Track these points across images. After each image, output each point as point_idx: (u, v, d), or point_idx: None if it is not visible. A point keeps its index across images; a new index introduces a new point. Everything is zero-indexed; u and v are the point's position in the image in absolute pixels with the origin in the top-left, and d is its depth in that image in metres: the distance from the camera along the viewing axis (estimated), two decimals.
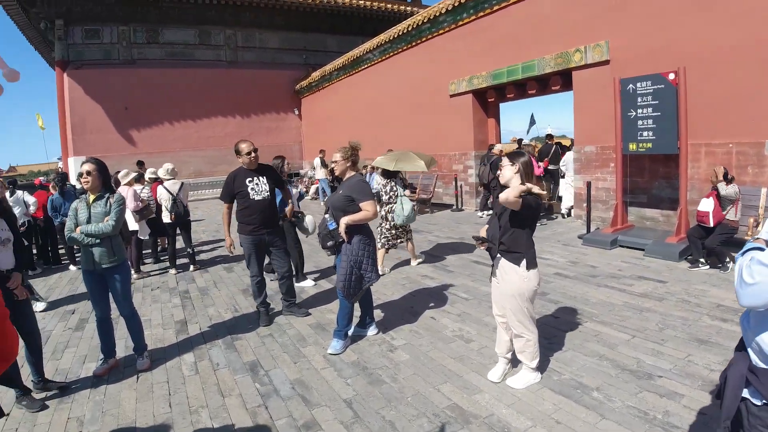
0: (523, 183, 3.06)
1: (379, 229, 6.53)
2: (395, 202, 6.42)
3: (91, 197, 3.88)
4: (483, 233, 3.44)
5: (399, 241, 6.63)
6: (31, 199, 7.97)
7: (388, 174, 6.67)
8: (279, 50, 21.71)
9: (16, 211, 7.09)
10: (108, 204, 3.85)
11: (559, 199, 10.50)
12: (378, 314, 4.83)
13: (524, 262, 3.11)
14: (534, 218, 3.19)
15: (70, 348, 4.62)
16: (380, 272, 6.20)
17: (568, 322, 4.35)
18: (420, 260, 6.94)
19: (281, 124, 22.30)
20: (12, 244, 3.51)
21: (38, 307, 5.70)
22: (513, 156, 3.20)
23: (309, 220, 5.49)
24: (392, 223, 6.48)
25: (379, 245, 6.34)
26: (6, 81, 2.09)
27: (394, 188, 6.53)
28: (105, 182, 3.94)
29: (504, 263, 3.20)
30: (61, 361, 4.29)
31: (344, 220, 3.84)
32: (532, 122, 18.04)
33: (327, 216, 4.05)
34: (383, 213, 6.51)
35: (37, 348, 3.64)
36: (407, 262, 6.98)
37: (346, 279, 3.92)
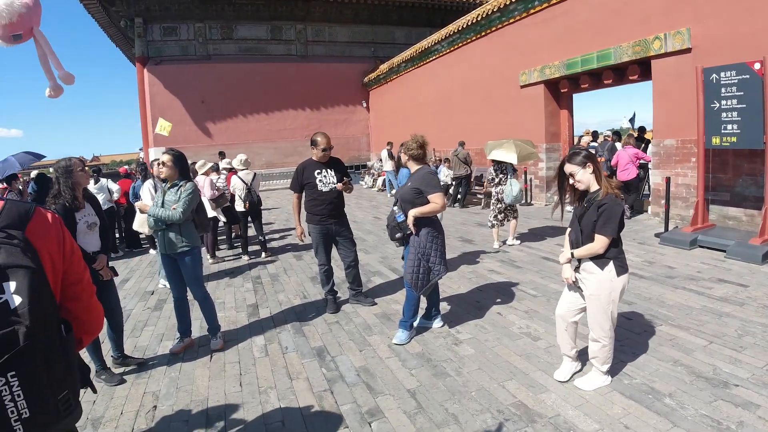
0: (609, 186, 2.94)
1: (491, 208, 7.44)
2: (505, 184, 7.17)
3: (168, 185, 4.14)
4: (568, 272, 3.16)
5: (506, 219, 7.39)
6: (114, 186, 8.51)
7: (497, 162, 7.38)
8: (348, 43, 21.99)
9: (100, 197, 7.58)
10: (179, 193, 4.05)
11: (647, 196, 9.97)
12: (444, 307, 4.82)
13: (611, 265, 2.95)
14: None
15: (149, 326, 4.93)
16: (494, 247, 7.31)
17: (642, 324, 4.17)
18: (518, 242, 7.54)
19: (350, 117, 22.64)
20: (98, 228, 3.74)
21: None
22: (573, 157, 3.00)
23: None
24: (503, 204, 7.24)
25: (489, 225, 7.47)
26: (63, 83, 2.29)
27: (505, 171, 7.31)
28: (182, 172, 4.15)
29: (589, 265, 3.02)
30: (139, 339, 4.60)
31: (412, 213, 3.86)
32: (633, 119, 17.33)
33: (395, 208, 4.09)
34: (495, 194, 7.35)
35: (118, 325, 3.90)
36: (477, 255, 7.00)
37: (414, 271, 3.94)
